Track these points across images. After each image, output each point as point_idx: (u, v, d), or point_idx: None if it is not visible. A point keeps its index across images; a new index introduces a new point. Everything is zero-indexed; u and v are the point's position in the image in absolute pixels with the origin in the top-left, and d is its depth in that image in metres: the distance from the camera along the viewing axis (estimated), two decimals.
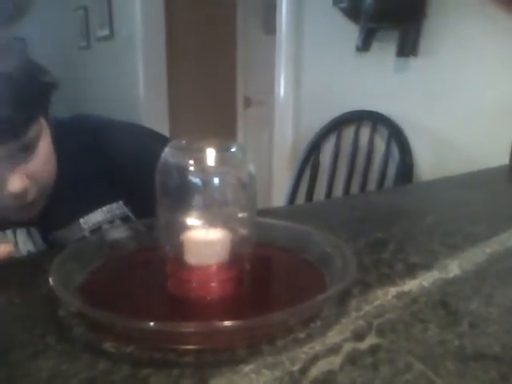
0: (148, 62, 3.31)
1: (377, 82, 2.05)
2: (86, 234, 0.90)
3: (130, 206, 0.94)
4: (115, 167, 0.92)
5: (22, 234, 0.87)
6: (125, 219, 0.93)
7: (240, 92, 3.61)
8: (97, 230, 0.90)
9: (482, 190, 1.20)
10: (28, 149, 0.74)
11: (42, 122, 0.78)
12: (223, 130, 3.53)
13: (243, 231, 0.56)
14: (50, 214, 0.88)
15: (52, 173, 0.82)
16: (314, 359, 0.45)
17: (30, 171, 0.76)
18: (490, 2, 1.59)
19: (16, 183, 0.73)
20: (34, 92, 0.74)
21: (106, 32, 3.82)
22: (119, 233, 0.67)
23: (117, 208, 0.93)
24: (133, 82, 3.42)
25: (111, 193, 0.93)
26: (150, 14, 3.23)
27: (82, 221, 0.90)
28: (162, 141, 0.98)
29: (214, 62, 3.66)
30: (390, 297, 0.58)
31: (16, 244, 0.86)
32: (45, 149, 0.78)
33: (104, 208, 0.92)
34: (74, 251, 0.60)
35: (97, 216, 0.91)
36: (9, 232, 0.86)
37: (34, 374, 0.42)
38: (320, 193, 2.27)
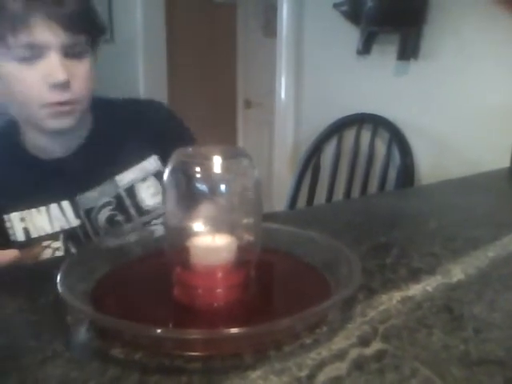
0: (148, 66, 3.32)
1: (377, 84, 2.06)
2: (121, 191, 0.94)
3: (164, 162, 0.97)
4: (147, 126, 0.99)
5: (54, 210, 0.90)
6: (157, 175, 0.97)
7: (240, 94, 3.61)
8: (130, 188, 0.94)
9: (484, 193, 1.21)
10: (77, 53, 0.82)
11: (91, 51, 0.87)
12: (223, 133, 3.53)
13: (249, 237, 0.56)
14: (85, 172, 0.92)
15: (89, 91, 0.87)
16: (321, 365, 0.45)
17: (75, 72, 0.82)
18: (492, 4, 1.59)
19: (61, 73, 0.79)
20: (96, 15, 0.88)
21: (106, 35, 3.83)
22: (125, 239, 0.68)
23: (149, 164, 0.97)
24: (133, 85, 3.42)
25: (144, 150, 0.97)
26: (151, 17, 3.24)
27: (117, 178, 0.94)
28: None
29: (214, 65, 3.66)
30: (394, 302, 0.58)
31: (50, 220, 0.89)
32: (89, 64, 0.86)
33: (137, 166, 0.96)
34: (81, 258, 0.60)
35: (130, 174, 0.95)
36: (43, 209, 0.89)
37: (44, 381, 0.43)
38: (321, 196, 2.27)
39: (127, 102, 1.05)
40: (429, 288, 0.62)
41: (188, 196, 0.54)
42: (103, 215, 0.92)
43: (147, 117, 1.01)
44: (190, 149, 0.56)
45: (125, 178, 0.94)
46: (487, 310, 0.57)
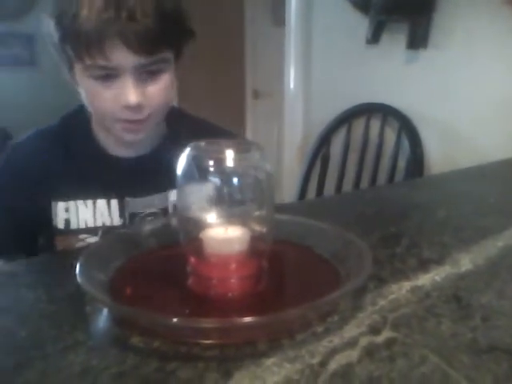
0: None
1: (387, 74, 2.05)
2: (169, 206, 0.95)
3: None
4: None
5: (101, 205, 0.92)
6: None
7: (248, 84, 3.61)
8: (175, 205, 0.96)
9: (493, 183, 1.21)
10: (155, 71, 0.82)
11: (173, 61, 0.86)
12: (232, 123, 3.53)
13: (261, 229, 0.57)
14: (144, 178, 0.93)
15: (165, 106, 0.89)
16: (333, 352, 0.47)
17: (149, 93, 0.82)
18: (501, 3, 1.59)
19: (133, 96, 0.80)
20: (180, 26, 0.83)
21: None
22: (141, 230, 0.69)
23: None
24: None
25: None
26: None
27: (170, 193, 0.95)
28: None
29: (222, 54, 3.66)
30: (404, 291, 0.59)
31: (94, 214, 0.91)
32: (166, 80, 0.85)
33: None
34: (98, 249, 0.62)
35: None
36: (89, 202, 0.91)
37: (67, 368, 0.45)
38: (330, 186, 2.28)
39: (203, 124, 1.07)
40: (438, 278, 0.63)
41: (201, 188, 0.56)
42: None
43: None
44: (204, 142, 0.58)
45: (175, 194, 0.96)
46: (495, 298, 0.58)
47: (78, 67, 0.81)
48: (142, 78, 0.81)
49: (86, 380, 0.43)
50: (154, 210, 0.94)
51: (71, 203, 0.90)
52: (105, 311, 0.54)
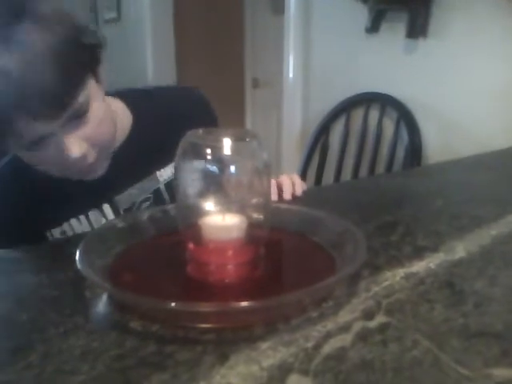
0: (156, 45, 3.32)
1: (386, 63, 2.05)
2: (161, 186, 0.94)
3: None
4: (188, 118, 0.95)
5: (94, 215, 0.89)
6: None
7: (248, 73, 3.60)
8: (170, 182, 0.94)
9: (490, 173, 1.22)
10: (80, 115, 0.73)
11: (92, 84, 0.75)
12: (231, 112, 3.54)
13: (258, 216, 0.58)
14: (125, 171, 0.88)
15: (110, 131, 0.80)
16: (327, 337, 0.48)
17: (86, 135, 0.74)
18: None
19: (74, 149, 0.73)
20: (77, 59, 0.70)
21: (113, 14, 3.81)
22: (140, 218, 0.70)
23: None
24: (141, 64, 3.43)
25: None
26: None
27: (158, 173, 0.94)
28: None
29: (222, 43, 3.65)
30: (398, 278, 0.60)
31: (90, 226, 0.89)
32: (98, 110, 0.76)
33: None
34: (98, 236, 0.63)
35: (171, 168, 0.94)
36: (82, 217, 0.88)
37: (68, 350, 0.46)
38: (329, 175, 2.29)
39: (165, 92, 1.03)
40: (432, 265, 0.64)
41: (199, 176, 0.57)
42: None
43: (187, 108, 0.99)
44: (201, 131, 0.58)
45: (166, 172, 0.94)
46: (487, 285, 0.59)
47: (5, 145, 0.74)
48: (72, 124, 0.73)
49: (87, 361, 0.44)
50: (145, 195, 0.92)
51: (65, 225, 0.88)
52: (104, 296, 0.56)
